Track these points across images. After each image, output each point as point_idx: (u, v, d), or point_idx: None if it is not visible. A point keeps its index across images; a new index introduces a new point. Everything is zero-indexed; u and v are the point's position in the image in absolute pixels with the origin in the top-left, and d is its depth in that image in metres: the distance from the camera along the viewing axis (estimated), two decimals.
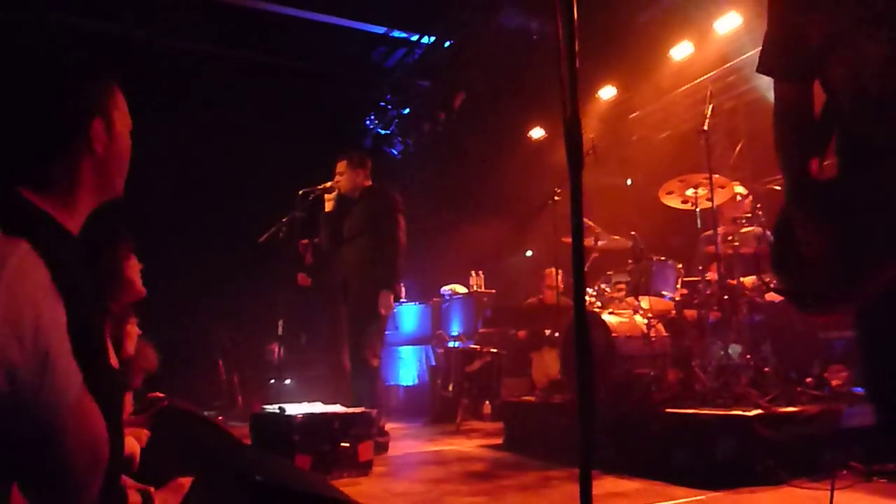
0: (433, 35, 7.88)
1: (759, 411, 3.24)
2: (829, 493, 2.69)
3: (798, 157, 1.71)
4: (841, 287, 1.52)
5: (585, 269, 5.01)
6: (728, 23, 6.09)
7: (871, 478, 2.97)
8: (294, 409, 3.75)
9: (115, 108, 1.33)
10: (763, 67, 1.79)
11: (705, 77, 6.60)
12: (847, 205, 1.51)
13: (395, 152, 9.39)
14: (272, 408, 3.90)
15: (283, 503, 1.23)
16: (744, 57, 6.29)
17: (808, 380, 3.90)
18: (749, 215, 4.47)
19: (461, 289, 7.72)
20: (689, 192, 4.52)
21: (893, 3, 1.41)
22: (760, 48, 1.79)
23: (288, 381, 6.39)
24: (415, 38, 8.04)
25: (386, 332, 4.86)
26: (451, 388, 6.11)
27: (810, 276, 1.58)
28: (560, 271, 5.56)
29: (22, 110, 1.21)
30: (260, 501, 1.22)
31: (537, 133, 8.27)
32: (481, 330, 7.15)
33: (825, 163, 1.69)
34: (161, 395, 3.79)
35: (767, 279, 3.74)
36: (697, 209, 4.51)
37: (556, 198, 4.94)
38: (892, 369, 1.60)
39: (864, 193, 1.48)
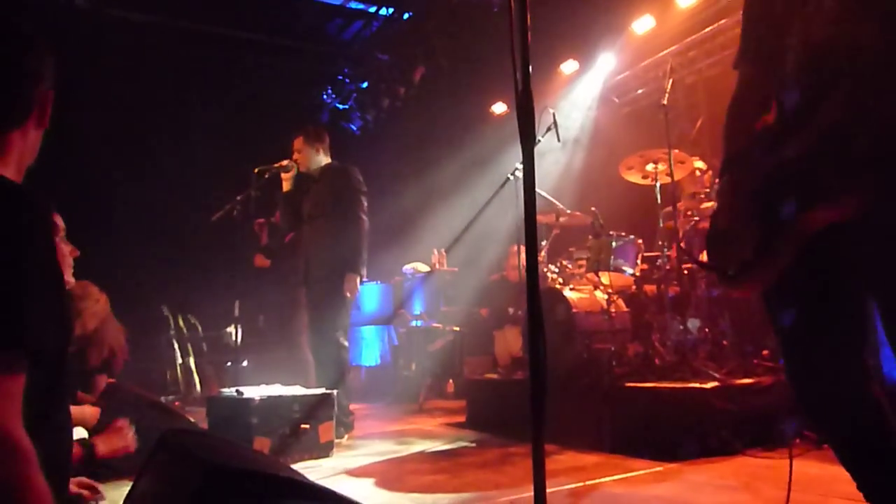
0: (391, 7, 7.71)
1: (715, 384, 3.30)
2: (782, 461, 2.74)
3: (739, 141, 1.70)
4: (759, 253, 1.51)
5: (547, 245, 5.03)
6: None
7: (821, 445, 3.04)
8: (252, 391, 3.67)
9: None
10: (736, 61, 1.79)
11: (666, 52, 6.59)
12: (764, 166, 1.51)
13: (354, 128, 9.22)
14: (229, 391, 3.81)
15: (232, 485, 1.17)
16: (704, 32, 6.30)
17: (764, 352, 3.97)
18: (708, 190, 4.50)
19: (423, 267, 7.66)
20: (649, 167, 4.53)
21: None
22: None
23: (245, 364, 6.27)
24: (372, 9, 7.86)
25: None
26: (413, 367, 6.09)
27: (733, 247, 1.58)
28: (523, 248, 5.53)
29: None
30: (210, 483, 1.15)
31: (499, 108, 8.19)
32: (443, 308, 7.11)
33: None
34: (112, 380, 3.69)
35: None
36: (657, 184, 4.52)
37: (518, 173, 4.89)
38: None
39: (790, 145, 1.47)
